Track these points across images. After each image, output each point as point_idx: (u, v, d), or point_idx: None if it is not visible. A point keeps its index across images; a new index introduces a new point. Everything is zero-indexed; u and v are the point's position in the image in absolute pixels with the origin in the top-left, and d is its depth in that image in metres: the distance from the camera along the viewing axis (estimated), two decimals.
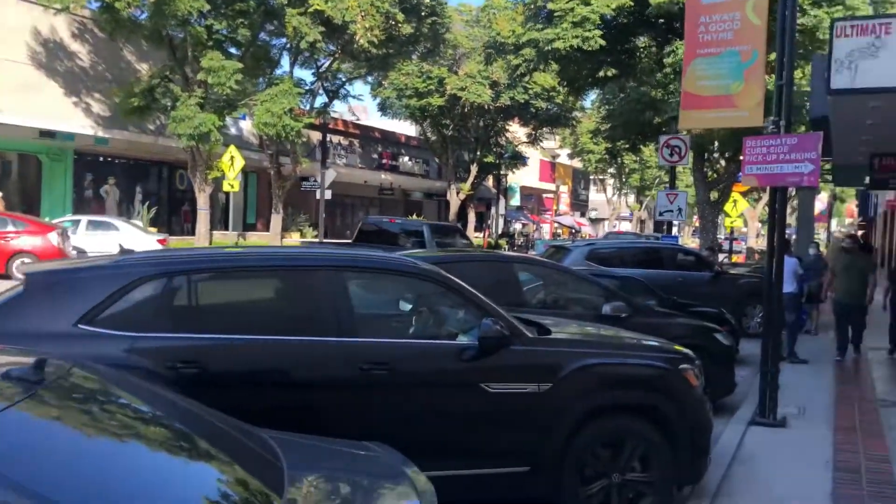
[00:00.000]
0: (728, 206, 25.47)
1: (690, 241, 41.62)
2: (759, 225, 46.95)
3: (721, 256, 24.54)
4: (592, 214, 65.73)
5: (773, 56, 8.20)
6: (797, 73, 10.29)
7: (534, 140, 39.26)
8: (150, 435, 2.62)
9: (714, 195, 22.33)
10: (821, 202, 40.71)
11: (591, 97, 32.78)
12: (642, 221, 60.82)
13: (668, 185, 18.85)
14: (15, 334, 3.89)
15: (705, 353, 7.53)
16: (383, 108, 35.86)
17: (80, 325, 4.04)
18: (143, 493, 2.14)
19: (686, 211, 16.80)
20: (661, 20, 18.97)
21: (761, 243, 39.27)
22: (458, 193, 36.89)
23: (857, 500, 5.08)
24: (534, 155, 46.50)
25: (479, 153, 37.53)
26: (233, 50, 23.83)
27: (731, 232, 33.28)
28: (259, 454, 2.82)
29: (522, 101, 32.78)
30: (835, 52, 7.98)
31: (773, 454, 6.05)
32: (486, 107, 33.64)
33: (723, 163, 23.23)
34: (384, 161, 37.81)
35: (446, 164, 37.17)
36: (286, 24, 22.96)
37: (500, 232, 42.11)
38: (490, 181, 42.73)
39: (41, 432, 2.23)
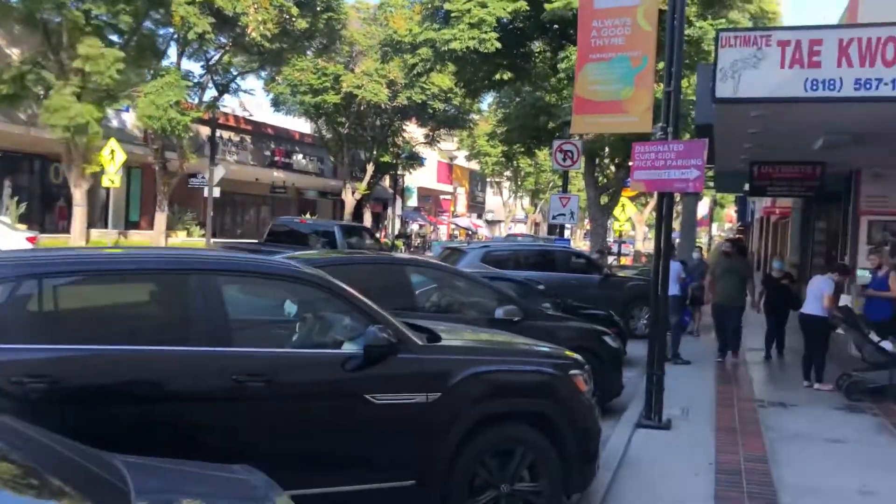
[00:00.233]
0: (617, 211, 26.25)
1: (583, 244, 42.77)
2: (647, 229, 48.79)
3: (610, 259, 25.24)
4: (489, 216, 66.54)
5: (661, 65, 8.36)
6: (683, 82, 10.60)
7: (431, 141, 39.28)
8: None
9: (604, 199, 22.93)
10: (703, 207, 42.67)
11: (488, 100, 33.12)
12: (537, 224, 62.06)
13: (561, 189, 19.16)
14: None
15: (594, 356, 7.62)
16: (277, 104, 34.94)
17: None
18: None
19: (578, 214, 17.10)
20: (556, 26, 19.29)
21: (648, 246, 40.75)
22: (353, 193, 36.42)
23: (737, 502, 5.17)
24: (431, 156, 46.55)
25: (375, 152, 37.18)
26: (114, 37, 22.50)
27: (620, 235, 34.38)
28: (105, 481, 2.51)
29: (420, 101, 32.69)
30: (719, 61, 8.21)
31: (659, 457, 6.11)
32: (382, 106, 33.36)
33: (613, 168, 23.90)
34: (277, 158, 36.83)
35: (342, 163, 36.62)
36: (173, 13, 21.91)
37: (396, 233, 41.89)
38: (387, 181, 42.45)
39: None
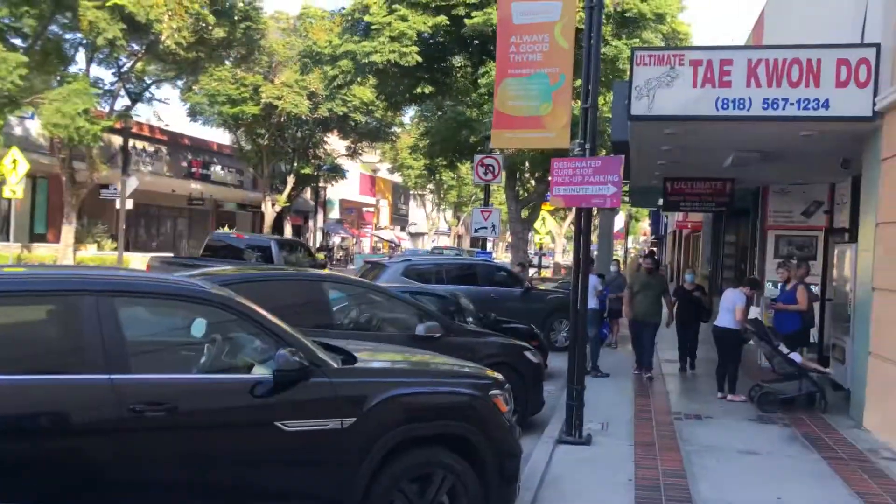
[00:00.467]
0: (538, 224, 26.57)
1: (505, 257, 43.16)
2: (566, 241, 49.70)
3: (531, 272, 25.51)
4: (412, 229, 66.50)
5: (578, 83, 8.44)
6: (600, 100, 10.78)
7: (353, 153, 38.96)
8: None
9: (525, 213, 23.17)
10: (619, 221, 43.73)
11: (410, 113, 33.08)
12: (459, 237, 62.38)
13: (483, 203, 19.23)
14: None
15: (515, 371, 7.60)
16: (194, 115, 33.97)
17: None
18: None
19: (500, 228, 17.20)
20: (476, 41, 19.42)
21: (568, 259, 41.48)
22: (273, 205, 35.72)
23: None
24: (354, 168, 46.17)
25: (296, 164, 36.61)
26: (17, 41, 21.42)
27: (541, 248, 34.83)
28: None
29: (341, 113, 32.37)
30: (634, 79, 8.37)
31: (580, 474, 6.08)
32: (303, 117, 32.89)
33: (533, 182, 24.18)
34: (195, 170, 35.79)
35: (262, 175, 35.88)
36: (81, 17, 20.98)
37: (318, 246, 41.28)
38: (308, 193, 41.84)
39: None
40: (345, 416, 4.19)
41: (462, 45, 19.95)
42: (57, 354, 3.87)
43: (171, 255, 23.90)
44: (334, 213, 49.98)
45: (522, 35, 7.63)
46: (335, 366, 4.38)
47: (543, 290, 15.97)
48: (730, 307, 9.25)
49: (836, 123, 8.13)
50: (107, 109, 24.95)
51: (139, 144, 31.82)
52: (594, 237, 26.45)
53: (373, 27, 18.75)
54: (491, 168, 16.59)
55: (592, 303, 10.72)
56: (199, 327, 4.65)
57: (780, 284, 10.43)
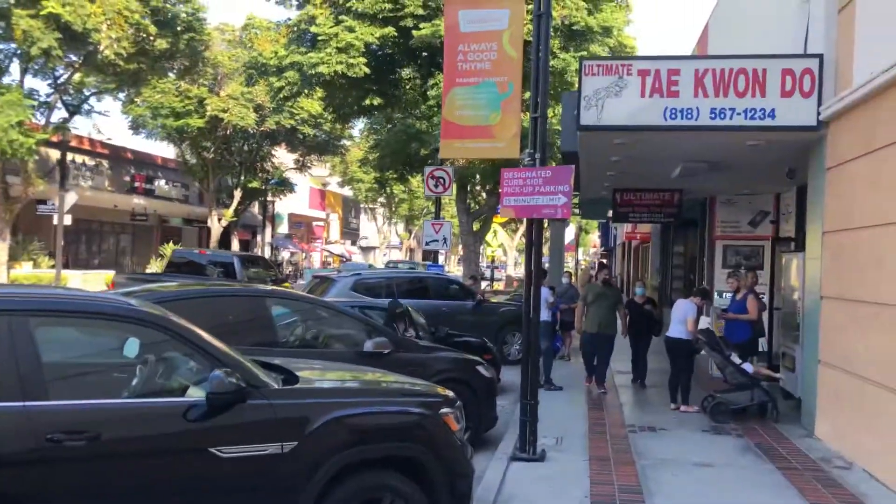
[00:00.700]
0: (489, 236, 26.52)
1: (457, 270, 43.05)
2: (517, 254, 49.88)
3: (484, 284, 25.40)
4: (363, 243, 66.00)
5: (528, 95, 8.34)
6: (548, 112, 10.70)
7: (302, 167, 38.44)
8: None
9: (476, 225, 23.07)
10: (569, 233, 44.09)
11: (360, 126, 32.80)
12: (412, 250, 62.10)
13: (434, 216, 19.07)
14: None
15: (468, 387, 7.40)
16: (136, 128, 33.07)
17: None
18: None
19: (451, 240, 17.04)
20: (425, 53, 19.29)
21: (520, 271, 41.58)
22: (219, 220, 34.95)
23: None
24: (303, 182, 45.60)
25: (243, 178, 35.91)
26: None
27: (493, 261, 34.82)
28: None
29: (289, 126, 31.90)
30: (583, 89, 8.31)
31: (535, 492, 5.90)
32: (250, 130, 32.31)
33: (484, 195, 24.13)
34: (138, 184, 34.81)
35: (207, 189, 35.10)
36: (14, 26, 20.21)
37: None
38: (256, 208, 41.13)
39: None
40: (286, 439, 3.95)
41: (411, 57, 19.80)
42: None
43: (140, 271, 24.12)
44: (283, 228, 49.27)
45: (470, 43, 7.50)
46: (275, 386, 4.13)
47: (496, 302, 15.86)
48: (681, 318, 9.22)
49: (783, 133, 8.19)
50: (43, 122, 24.08)
51: (78, 158, 30.83)
52: (545, 249, 26.53)
53: (319, 38, 18.46)
54: (441, 180, 16.44)
55: (544, 315, 10.61)
56: (130, 348, 4.34)
57: (730, 294, 10.46)
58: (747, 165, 10.24)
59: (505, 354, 13.44)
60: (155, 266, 30.15)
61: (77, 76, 25.14)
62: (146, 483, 3.68)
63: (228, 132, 32.32)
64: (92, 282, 25.72)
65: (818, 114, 7.90)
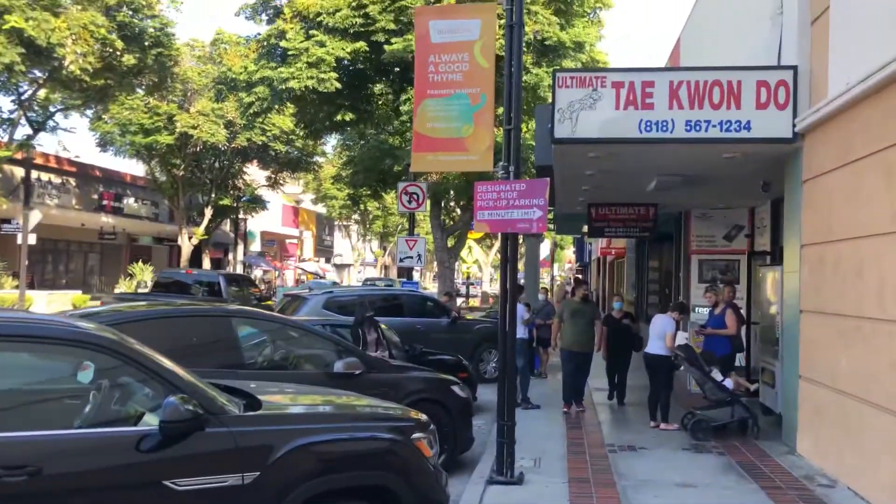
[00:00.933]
0: (464, 253, 26.34)
1: (432, 287, 42.78)
2: (493, 270, 49.74)
3: (459, 301, 25.19)
4: (337, 260, 65.53)
5: (501, 110, 8.19)
6: (522, 127, 10.57)
7: (274, 184, 38.03)
8: None
9: (451, 242, 22.89)
10: (544, 249, 44.07)
11: (332, 142, 32.55)
12: (386, 267, 61.76)
13: (408, 232, 18.85)
14: None
15: (442, 408, 7.16)
16: (104, 145, 32.50)
17: None
18: None
19: (425, 257, 16.84)
20: (397, 68, 19.15)
21: (495, 288, 41.43)
22: (190, 238, 34.40)
23: None
24: (275, 199, 45.14)
25: (214, 196, 35.44)
26: None
27: (468, 277, 34.62)
28: None
29: (260, 142, 31.56)
30: (557, 102, 8.17)
31: None
32: (220, 147, 31.93)
33: (459, 210, 23.98)
34: (106, 202, 34.23)
35: (178, 207, 34.56)
36: None
37: None
38: (227, 225, 40.61)
39: None
40: (247, 469, 3.69)
41: (382, 72, 19.65)
42: None
43: (127, 291, 25.30)
44: (255, 246, 48.72)
45: (441, 54, 7.31)
46: (236, 412, 3.88)
47: (471, 319, 15.63)
48: (660, 333, 9.07)
49: (758, 145, 8.10)
50: (6, 139, 23.55)
51: (44, 176, 30.25)
52: (520, 265, 26.41)
53: (290, 53, 18.26)
54: (415, 196, 16.24)
55: (520, 332, 10.40)
56: (81, 374, 4.05)
57: (707, 309, 10.34)
58: (723, 178, 10.16)
59: (481, 372, 13.23)
60: (123, 286, 29.54)
61: (42, 92, 24.71)
62: None
63: (199, 149, 31.91)
64: (57, 302, 25.13)
65: (794, 125, 7.82)
